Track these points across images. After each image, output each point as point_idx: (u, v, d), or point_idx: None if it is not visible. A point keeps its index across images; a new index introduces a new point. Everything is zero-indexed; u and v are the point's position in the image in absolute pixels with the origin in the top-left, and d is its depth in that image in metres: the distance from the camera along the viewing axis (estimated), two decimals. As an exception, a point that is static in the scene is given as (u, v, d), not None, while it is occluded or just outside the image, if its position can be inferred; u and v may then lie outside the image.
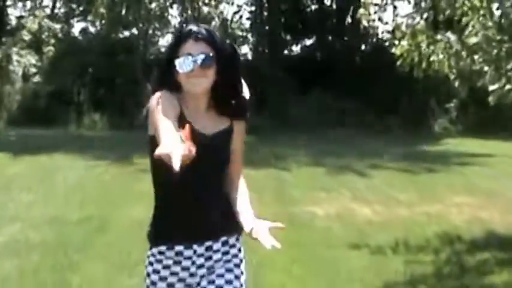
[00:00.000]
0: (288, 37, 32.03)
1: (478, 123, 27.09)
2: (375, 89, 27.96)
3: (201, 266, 3.04)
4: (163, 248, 3.06)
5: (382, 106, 27.45)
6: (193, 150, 2.44)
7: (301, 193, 11.51)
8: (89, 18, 32.64)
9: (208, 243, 3.04)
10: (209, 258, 3.04)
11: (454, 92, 28.37)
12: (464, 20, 8.25)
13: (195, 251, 3.02)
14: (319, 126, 24.64)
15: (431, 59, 8.91)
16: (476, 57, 8.35)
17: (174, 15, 32.94)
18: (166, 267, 3.05)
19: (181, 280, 3.06)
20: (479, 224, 9.53)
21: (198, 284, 3.05)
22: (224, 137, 3.06)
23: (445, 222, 9.60)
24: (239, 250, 3.14)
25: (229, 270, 3.05)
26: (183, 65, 2.89)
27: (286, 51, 31.95)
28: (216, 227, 3.06)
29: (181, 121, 2.80)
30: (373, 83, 27.98)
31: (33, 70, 27.96)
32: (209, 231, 3.05)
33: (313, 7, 32.44)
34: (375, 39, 32.33)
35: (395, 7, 30.91)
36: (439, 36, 8.96)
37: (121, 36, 30.20)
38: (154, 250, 3.10)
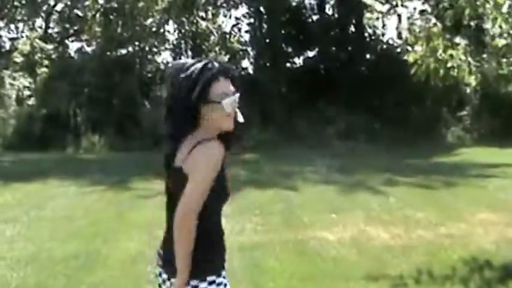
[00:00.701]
0: (290, 49, 31.09)
1: (492, 131, 26.18)
2: (383, 100, 27.09)
3: None
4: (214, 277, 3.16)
5: (391, 117, 26.59)
6: None
7: (311, 216, 10.50)
8: (84, 37, 32.01)
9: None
10: None
11: (466, 99, 27.51)
12: (487, 19, 7.28)
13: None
14: (326, 140, 23.75)
15: (450, 64, 7.92)
16: (504, 60, 7.37)
17: (170, 32, 32.28)
18: None
19: None
20: (508, 245, 8.57)
21: None
22: None
23: (471, 244, 8.63)
24: None
25: None
26: (230, 104, 3.07)
27: (288, 64, 30.98)
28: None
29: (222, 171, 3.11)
30: (381, 93, 27.12)
31: (27, 93, 27.16)
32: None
33: (314, 17, 31.38)
34: (380, 47, 31.42)
35: (399, 15, 30.23)
36: (457, 39, 7.95)
37: (116, 54, 29.24)
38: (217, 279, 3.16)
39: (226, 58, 32.01)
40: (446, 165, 18.48)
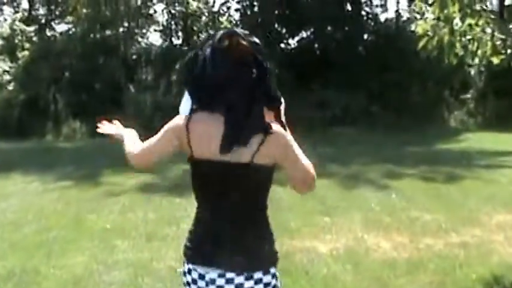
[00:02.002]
0: (283, 29, 29.56)
1: (497, 115, 24.73)
2: (382, 82, 25.64)
3: None
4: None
5: (390, 100, 25.22)
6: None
7: (299, 219, 8.91)
8: (68, 19, 30.48)
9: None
10: None
11: (470, 81, 26.03)
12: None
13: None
14: (321, 124, 22.24)
15: (468, 37, 6.35)
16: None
17: (159, 12, 30.89)
18: None
19: None
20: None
21: None
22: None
23: (490, 257, 7.12)
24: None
25: None
26: None
27: (282, 45, 29.43)
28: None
29: None
30: (379, 74, 25.69)
31: (7, 78, 25.63)
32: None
33: (309, -5, 29.84)
34: (378, 27, 29.92)
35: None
36: (478, 6, 6.34)
37: (101, 36, 27.65)
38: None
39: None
40: (451, 154, 17.01)
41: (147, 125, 24.22)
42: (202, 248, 2.86)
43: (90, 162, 15.30)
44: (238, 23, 29.71)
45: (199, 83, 2.80)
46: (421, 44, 6.45)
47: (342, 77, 25.19)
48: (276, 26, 28.72)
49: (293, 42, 30.22)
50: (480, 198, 10.32)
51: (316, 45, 29.27)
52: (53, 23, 32.23)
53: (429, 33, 6.35)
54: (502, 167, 13.97)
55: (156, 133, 2.97)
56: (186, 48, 29.62)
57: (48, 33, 30.77)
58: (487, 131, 23.00)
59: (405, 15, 31.06)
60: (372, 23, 30.64)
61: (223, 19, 30.67)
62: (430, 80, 26.03)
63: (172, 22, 31.46)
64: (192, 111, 2.81)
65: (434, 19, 6.38)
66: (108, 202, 10.21)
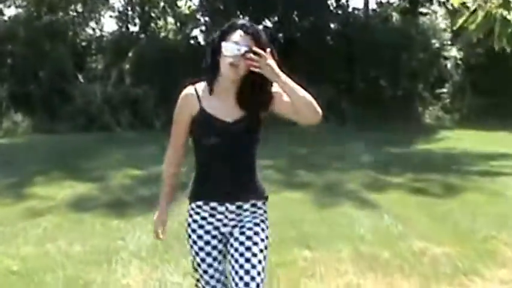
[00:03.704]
0: (246, 17, 27.52)
1: (475, 111, 23.03)
2: (351, 74, 23.83)
3: (232, 219, 3.56)
4: (200, 203, 3.57)
5: (361, 94, 23.39)
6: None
7: (271, 253, 6.87)
8: (17, 2, 28.06)
9: (238, 203, 3.54)
10: (239, 214, 3.55)
11: (446, 75, 24.23)
12: None
13: (227, 208, 3.53)
14: (286, 122, 20.23)
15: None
16: None
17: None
18: (203, 218, 3.58)
19: (216, 228, 3.58)
20: None
21: (230, 233, 3.58)
22: (243, 123, 3.48)
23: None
24: (265, 212, 3.64)
25: (256, 224, 3.56)
26: (228, 49, 3.34)
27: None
28: (245, 192, 3.56)
29: (202, 114, 3.48)
30: (349, 66, 23.82)
31: None
32: (239, 195, 3.54)
33: (273, -19, 27.78)
34: (346, 15, 28.00)
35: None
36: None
37: (47, 20, 25.23)
38: (193, 205, 3.61)
39: (175, 27, 28.72)
40: (436, 157, 15.17)
41: (95, 119, 22.38)
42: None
43: (21, 166, 13.04)
44: (198, 9, 27.69)
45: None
46: (459, 21, 4.46)
47: (308, 69, 23.22)
48: (239, 13, 26.64)
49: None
50: (490, 219, 8.36)
51: (280, 35, 27.24)
52: (1, 5, 29.70)
53: (470, 7, 4.33)
54: (499, 175, 12.13)
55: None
56: (142, 35, 27.59)
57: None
58: (465, 129, 21.32)
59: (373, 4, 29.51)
60: (340, 12, 28.83)
61: (181, 3, 28.60)
62: (402, 74, 24.20)
63: (129, 8, 29.29)
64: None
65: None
66: (26, 225, 7.97)
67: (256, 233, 3.50)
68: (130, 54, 25.08)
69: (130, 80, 24.10)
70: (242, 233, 3.50)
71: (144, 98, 22.70)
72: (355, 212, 8.83)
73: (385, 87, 24.42)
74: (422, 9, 26.85)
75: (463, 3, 4.47)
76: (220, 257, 3.60)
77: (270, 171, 11.91)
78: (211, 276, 3.61)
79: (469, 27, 4.44)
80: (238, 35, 3.36)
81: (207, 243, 3.56)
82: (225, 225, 3.53)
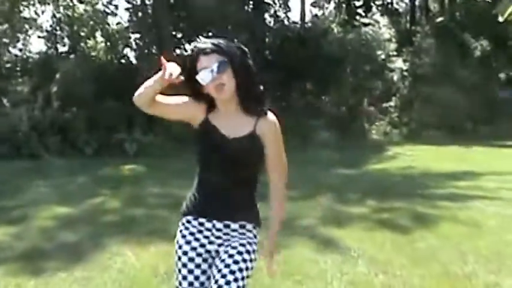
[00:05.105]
0: (179, 34, 26.37)
1: (424, 124, 22.21)
2: (291, 89, 22.80)
3: (218, 237, 3.54)
4: (190, 218, 3.59)
5: (301, 110, 22.32)
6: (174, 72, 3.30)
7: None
8: None
9: (226, 222, 3.52)
10: (226, 234, 3.53)
11: (392, 88, 23.36)
12: None
13: (214, 225, 3.53)
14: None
15: None
16: None
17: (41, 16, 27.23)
18: (191, 234, 3.57)
19: (202, 246, 3.56)
20: None
21: (217, 251, 3.55)
22: (246, 142, 3.50)
23: None
24: (254, 236, 3.58)
25: (242, 245, 3.51)
26: (203, 78, 3.39)
27: (178, 51, 26.13)
28: (236, 212, 3.53)
29: (205, 125, 3.52)
30: (288, 81, 22.80)
31: None
32: (228, 213, 3.52)
33: (207, -5, 26.69)
34: (284, 29, 27.09)
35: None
36: None
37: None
38: (184, 219, 3.62)
39: (105, 46, 27.29)
40: (395, 180, 14.09)
41: (21, 146, 20.76)
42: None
43: None
44: (128, 25, 26.35)
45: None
46: (507, 12, 3.45)
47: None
48: (171, 28, 25.39)
49: (190, 47, 26.94)
50: (482, 259, 7.12)
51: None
52: None
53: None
54: (469, 199, 11.05)
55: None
56: (72, 55, 26.10)
57: None
58: (415, 144, 20.40)
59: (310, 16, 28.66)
60: (277, 26, 27.94)
61: (111, 21, 27.24)
62: (345, 88, 23.27)
63: (57, 27, 27.90)
64: None
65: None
66: None
67: (239, 253, 3.48)
68: (58, 75, 23.57)
69: (59, 102, 22.57)
70: (226, 252, 3.50)
71: (73, 122, 21.24)
72: (321, 255, 7.35)
73: (327, 102, 23.49)
74: (364, 20, 26.04)
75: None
76: (203, 278, 3.55)
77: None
78: None
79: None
80: (203, 60, 3.40)
81: (191, 260, 3.56)
82: (211, 242, 3.55)
